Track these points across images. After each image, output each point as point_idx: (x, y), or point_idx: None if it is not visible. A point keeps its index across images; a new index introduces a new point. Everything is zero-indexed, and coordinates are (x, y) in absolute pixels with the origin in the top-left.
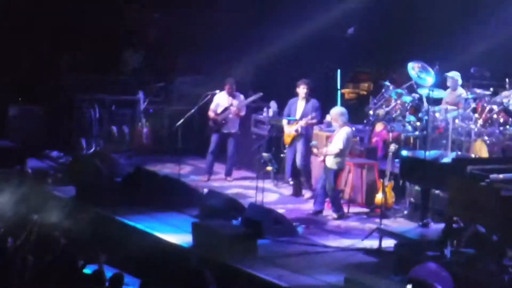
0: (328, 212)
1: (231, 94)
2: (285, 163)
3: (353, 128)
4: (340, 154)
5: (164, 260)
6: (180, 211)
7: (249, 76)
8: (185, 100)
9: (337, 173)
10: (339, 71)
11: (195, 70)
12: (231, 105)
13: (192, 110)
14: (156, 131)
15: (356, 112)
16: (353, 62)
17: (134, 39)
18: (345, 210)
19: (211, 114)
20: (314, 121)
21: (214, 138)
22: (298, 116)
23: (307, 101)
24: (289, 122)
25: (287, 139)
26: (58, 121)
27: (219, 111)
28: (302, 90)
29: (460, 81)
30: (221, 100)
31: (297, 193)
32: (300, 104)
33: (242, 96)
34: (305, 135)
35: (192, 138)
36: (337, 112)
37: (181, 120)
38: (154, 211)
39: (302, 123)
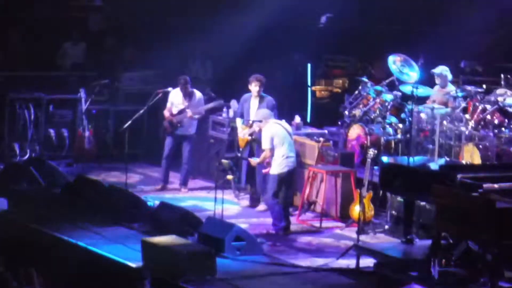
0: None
1: (187, 94)
2: (241, 169)
3: (278, 122)
4: (279, 155)
5: (110, 282)
6: (128, 226)
7: (207, 71)
8: (133, 99)
9: (283, 178)
10: (309, 65)
11: (144, 65)
12: (187, 107)
13: (141, 111)
14: (100, 135)
15: (329, 113)
16: (326, 55)
17: (74, 30)
18: (317, 225)
19: (166, 113)
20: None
21: (168, 142)
22: (252, 116)
23: (261, 99)
24: (243, 123)
25: (241, 143)
26: None
27: (174, 111)
28: (254, 87)
29: (450, 77)
30: (175, 99)
31: (254, 203)
32: (253, 103)
33: (198, 95)
34: (261, 140)
35: (141, 143)
36: (260, 116)
37: (128, 122)
38: (98, 226)
39: (256, 127)
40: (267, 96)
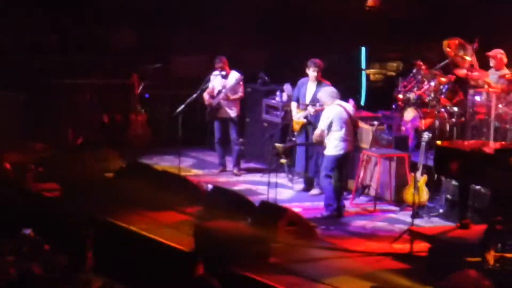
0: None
1: (223, 75)
2: (296, 154)
3: (342, 104)
4: (336, 137)
5: (163, 267)
6: (181, 210)
7: (261, 55)
8: (186, 83)
9: (338, 160)
10: (363, 48)
11: (198, 49)
12: (224, 87)
13: (194, 95)
14: (153, 119)
15: (383, 96)
16: (380, 39)
17: (127, 13)
18: (371, 208)
19: (205, 96)
20: (324, 107)
21: (216, 126)
22: (308, 100)
23: (319, 84)
24: (298, 107)
25: (295, 126)
26: (40, 108)
27: (215, 93)
28: (312, 73)
29: (505, 60)
30: (215, 82)
31: (308, 188)
32: (310, 87)
33: (234, 76)
34: (316, 123)
35: (194, 127)
36: (323, 94)
37: (182, 107)
38: (150, 210)
39: (311, 110)
40: (324, 81)
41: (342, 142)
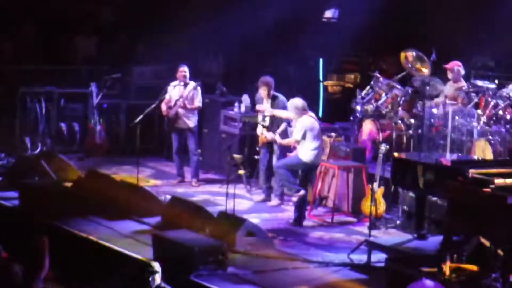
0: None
1: (184, 85)
2: (259, 165)
3: (313, 116)
4: (310, 147)
5: (121, 276)
6: (139, 220)
7: (218, 65)
8: (144, 93)
9: (302, 165)
10: (321, 60)
11: (156, 59)
12: (181, 97)
13: (153, 105)
14: (111, 129)
15: (341, 108)
16: (338, 50)
17: (86, 23)
18: (329, 220)
19: (163, 107)
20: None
21: (174, 136)
22: (265, 119)
23: (274, 100)
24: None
25: (261, 138)
26: None
27: (173, 104)
28: (263, 92)
29: (462, 72)
30: (173, 92)
31: (267, 198)
32: (266, 104)
33: (193, 86)
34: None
35: (152, 137)
36: (290, 105)
37: (140, 117)
38: (109, 220)
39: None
40: (279, 96)
41: (315, 153)
